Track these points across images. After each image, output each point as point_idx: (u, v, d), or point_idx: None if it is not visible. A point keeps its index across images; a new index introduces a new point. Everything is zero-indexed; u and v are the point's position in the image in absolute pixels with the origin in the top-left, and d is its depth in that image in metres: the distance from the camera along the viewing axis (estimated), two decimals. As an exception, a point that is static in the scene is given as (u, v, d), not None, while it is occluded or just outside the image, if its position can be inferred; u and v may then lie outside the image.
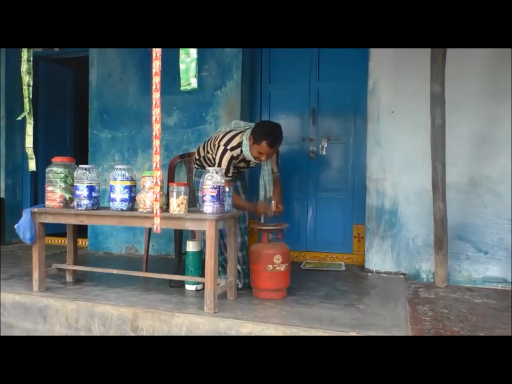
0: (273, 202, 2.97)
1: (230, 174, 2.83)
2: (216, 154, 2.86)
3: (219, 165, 2.81)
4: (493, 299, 2.89)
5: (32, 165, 2.90)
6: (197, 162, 3.11)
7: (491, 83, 3.19)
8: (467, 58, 3.19)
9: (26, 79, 2.81)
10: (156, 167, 2.22)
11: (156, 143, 2.19)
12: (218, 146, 2.86)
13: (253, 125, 3.00)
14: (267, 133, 2.80)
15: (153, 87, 2.13)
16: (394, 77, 3.41)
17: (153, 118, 2.16)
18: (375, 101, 3.47)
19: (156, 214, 2.26)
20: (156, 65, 2.10)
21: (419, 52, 3.15)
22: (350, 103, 3.93)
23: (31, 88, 2.84)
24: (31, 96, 2.85)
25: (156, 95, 2.14)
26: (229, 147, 2.84)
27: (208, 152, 3.01)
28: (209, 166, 2.95)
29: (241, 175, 3.18)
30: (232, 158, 2.84)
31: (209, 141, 3.03)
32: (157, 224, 2.27)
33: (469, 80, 3.22)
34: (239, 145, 2.85)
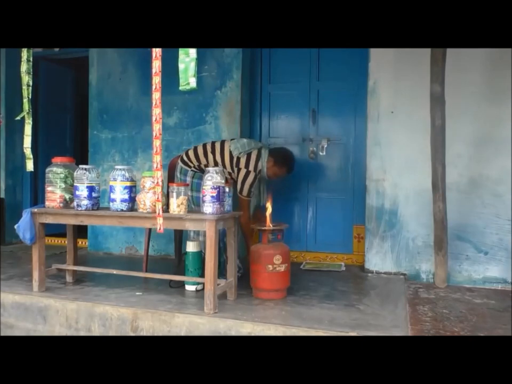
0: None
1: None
2: (246, 178, 3.08)
3: (249, 191, 3.09)
4: (493, 299, 2.88)
5: (29, 165, 2.90)
6: (195, 167, 3.14)
7: (491, 84, 3.19)
8: (467, 59, 3.18)
9: (26, 79, 2.81)
10: (156, 167, 2.21)
11: (156, 143, 2.18)
12: (248, 172, 3.09)
13: (257, 142, 3.32)
14: (290, 161, 3.25)
15: (153, 87, 2.13)
16: (394, 77, 3.41)
17: (153, 118, 2.16)
18: (375, 101, 3.47)
19: (159, 214, 2.26)
20: (156, 65, 2.10)
21: (419, 51, 3.15)
22: (350, 103, 3.93)
23: (30, 88, 2.84)
24: (30, 96, 2.85)
25: (156, 95, 2.14)
26: (257, 172, 3.12)
27: (218, 165, 3.12)
28: None
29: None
30: (256, 180, 3.15)
31: (220, 154, 3.15)
32: (159, 224, 2.26)
33: (469, 81, 3.22)
34: (261, 170, 3.15)
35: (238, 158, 3.09)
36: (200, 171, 3.13)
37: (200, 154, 3.16)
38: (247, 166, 3.08)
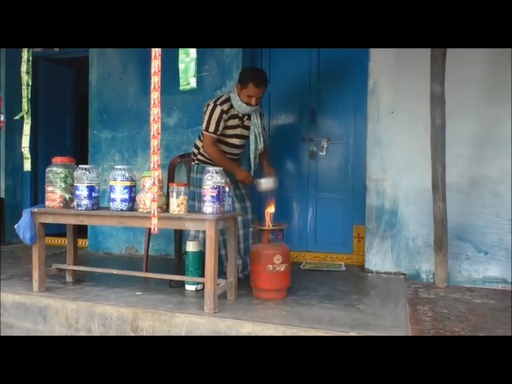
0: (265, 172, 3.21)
1: (219, 132, 2.99)
2: (206, 112, 3.00)
3: (208, 123, 2.95)
4: (493, 299, 2.88)
5: (27, 165, 2.90)
6: (198, 156, 3.15)
7: (491, 83, 3.19)
8: (467, 59, 3.18)
9: (25, 78, 2.81)
10: (153, 167, 2.21)
11: (154, 142, 2.18)
12: (207, 106, 3.01)
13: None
14: (252, 74, 3.00)
15: (152, 86, 2.12)
16: (394, 77, 3.41)
17: (151, 118, 2.16)
18: (375, 101, 3.47)
19: (153, 214, 2.26)
20: (155, 64, 2.10)
21: (419, 51, 3.15)
22: (350, 103, 3.93)
23: (29, 88, 2.84)
24: (29, 96, 2.85)
25: (155, 95, 2.14)
26: (218, 102, 2.99)
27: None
28: None
29: (238, 185, 3.17)
30: (222, 112, 2.97)
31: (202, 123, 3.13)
32: (154, 224, 2.26)
33: (469, 81, 3.22)
34: (228, 99, 3.02)
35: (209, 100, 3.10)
36: (204, 161, 3.13)
37: (197, 142, 3.21)
38: (208, 103, 3.05)
